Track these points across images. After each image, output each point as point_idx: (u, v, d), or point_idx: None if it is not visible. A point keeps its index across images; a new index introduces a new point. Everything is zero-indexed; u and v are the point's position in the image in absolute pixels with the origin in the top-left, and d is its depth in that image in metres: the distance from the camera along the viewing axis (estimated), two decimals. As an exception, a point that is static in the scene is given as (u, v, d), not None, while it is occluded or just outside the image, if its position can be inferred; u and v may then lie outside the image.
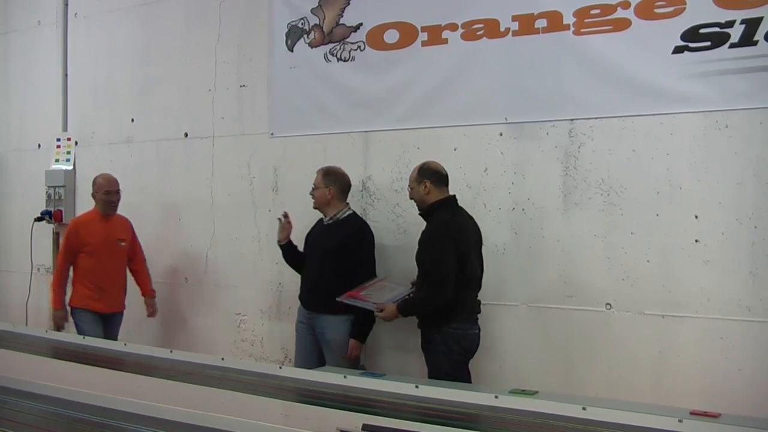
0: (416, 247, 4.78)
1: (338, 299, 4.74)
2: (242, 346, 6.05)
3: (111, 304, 5.96)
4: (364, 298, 4.73)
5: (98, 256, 5.87)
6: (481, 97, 5.00)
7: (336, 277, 4.94)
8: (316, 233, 5.22)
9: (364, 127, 5.47)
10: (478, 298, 4.68)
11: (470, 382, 4.56)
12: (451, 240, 4.49)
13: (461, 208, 4.72)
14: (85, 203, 7.01)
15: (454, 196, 4.72)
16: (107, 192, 5.92)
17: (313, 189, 5.10)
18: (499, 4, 4.90)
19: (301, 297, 5.24)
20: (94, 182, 5.99)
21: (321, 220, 5.21)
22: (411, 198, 4.77)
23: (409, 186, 4.75)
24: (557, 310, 4.76)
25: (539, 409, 3.06)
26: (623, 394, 4.33)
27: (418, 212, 4.77)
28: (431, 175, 4.65)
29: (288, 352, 5.66)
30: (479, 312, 4.67)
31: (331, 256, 5.02)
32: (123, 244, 6.01)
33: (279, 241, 5.27)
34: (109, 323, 5.94)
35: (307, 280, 5.20)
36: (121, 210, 6.69)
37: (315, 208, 5.13)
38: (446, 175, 4.70)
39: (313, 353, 5.13)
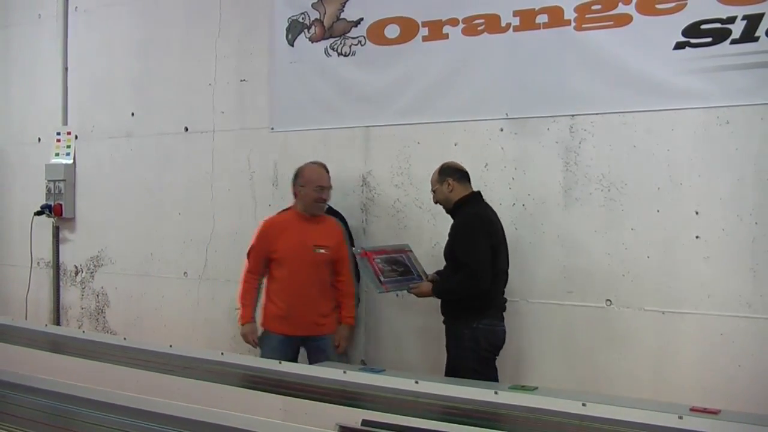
0: (417, 241, 4.79)
1: (355, 252, 4.64)
2: (241, 341, 6.01)
3: (302, 326, 4.85)
4: (377, 266, 4.59)
5: (288, 266, 4.83)
6: (482, 92, 5.00)
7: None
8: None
9: (364, 121, 5.46)
10: (504, 294, 4.65)
11: (497, 377, 4.53)
12: (483, 232, 4.46)
13: (487, 203, 4.67)
14: (85, 197, 7.03)
15: (479, 192, 4.68)
16: (320, 188, 4.89)
17: None
18: (500, -1, 4.90)
19: None
20: (301, 173, 4.95)
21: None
22: (436, 201, 4.69)
23: (431, 189, 4.68)
24: (557, 305, 4.76)
25: (539, 405, 3.05)
26: (623, 390, 4.34)
27: (445, 212, 4.69)
28: (452, 173, 4.61)
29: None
30: (504, 309, 4.62)
31: None
32: (321, 251, 4.81)
33: None
34: (309, 350, 4.93)
35: None
36: (123, 206, 6.72)
37: None
38: (467, 172, 4.66)
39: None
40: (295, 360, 4.76)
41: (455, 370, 4.46)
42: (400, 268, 4.69)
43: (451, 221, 4.62)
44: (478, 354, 4.46)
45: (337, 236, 4.97)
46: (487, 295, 4.47)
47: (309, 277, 4.82)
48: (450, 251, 4.54)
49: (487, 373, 4.47)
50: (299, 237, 4.85)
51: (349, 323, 4.97)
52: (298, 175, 4.96)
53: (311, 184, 4.87)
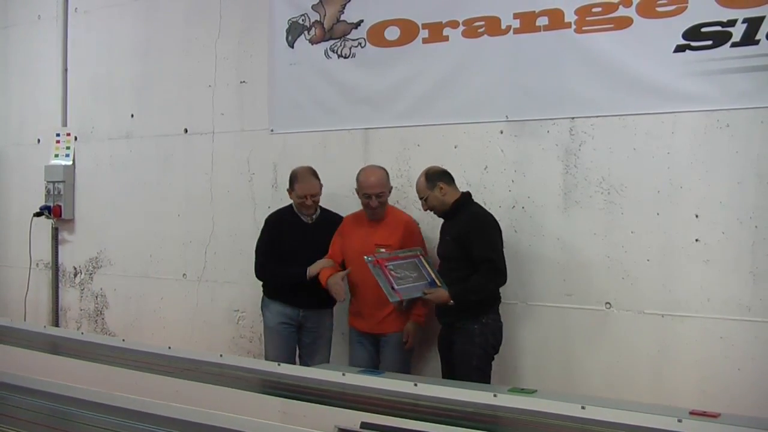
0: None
1: (367, 259, 4.61)
2: (240, 343, 6.04)
3: (370, 324, 4.94)
4: (389, 274, 4.57)
5: (355, 264, 4.88)
6: (482, 94, 4.99)
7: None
8: (302, 233, 5.12)
9: (364, 123, 5.46)
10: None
11: (490, 378, 4.53)
12: (496, 229, 4.54)
13: (477, 203, 4.71)
14: (84, 199, 7.03)
15: (469, 192, 4.71)
16: (366, 195, 4.88)
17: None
18: (500, 1, 4.89)
19: (289, 298, 5.12)
20: (357, 177, 4.97)
21: (294, 219, 5.14)
22: (428, 209, 4.67)
23: (421, 198, 4.65)
24: (557, 308, 4.75)
25: (538, 408, 3.06)
26: (622, 394, 4.33)
27: (439, 216, 4.70)
28: (441, 177, 4.62)
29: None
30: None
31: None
32: (383, 250, 4.78)
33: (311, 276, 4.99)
34: (380, 346, 4.96)
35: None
36: (123, 207, 6.71)
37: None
38: (450, 173, 4.68)
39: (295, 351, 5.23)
40: (375, 356, 4.93)
41: (457, 367, 4.47)
42: (413, 273, 4.65)
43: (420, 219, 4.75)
44: (485, 350, 4.48)
45: (404, 236, 4.89)
46: (495, 292, 4.55)
47: (371, 277, 4.70)
48: (459, 250, 4.52)
49: (487, 372, 4.51)
50: (364, 237, 4.93)
51: (417, 321, 4.88)
52: (357, 179, 4.97)
53: (360, 191, 4.92)
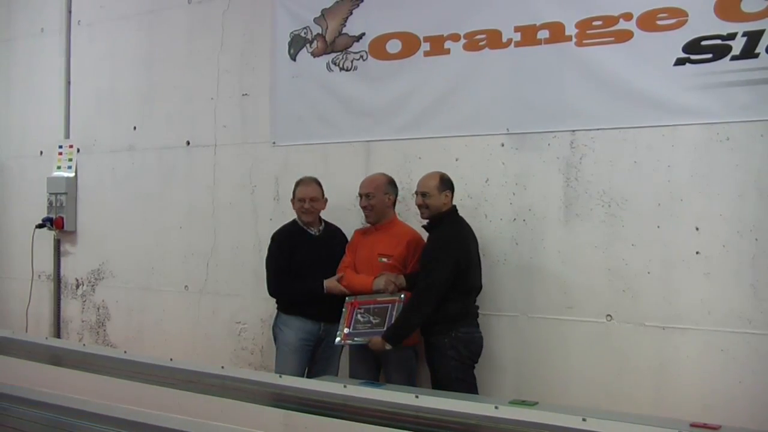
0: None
1: (347, 300, 4.77)
2: (242, 355, 6.04)
3: None
4: (353, 317, 4.72)
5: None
6: (483, 107, 5.01)
7: None
8: (312, 247, 5.09)
9: (365, 136, 5.48)
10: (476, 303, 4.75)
11: (476, 386, 4.58)
12: (451, 258, 4.51)
13: (462, 218, 4.73)
14: (86, 210, 7.04)
15: (455, 206, 4.74)
16: (359, 195, 5.02)
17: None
18: (501, 15, 4.92)
19: (310, 313, 5.00)
20: None
21: (301, 233, 5.12)
22: (424, 204, 4.68)
23: (424, 193, 4.66)
24: (557, 321, 4.76)
25: (539, 420, 3.06)
26: (623, 406, 4.32)
27: (423, 222, 4.76)
28: (451, 186, 4.70)
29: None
30: (477, 316, 4.72)
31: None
32: (384, 260, 4.84)
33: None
34: (382, 359, 4.83)
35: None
36: (125, 219, 6.72)
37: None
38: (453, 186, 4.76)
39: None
40: (375, 369, 4.86)
41: (439, 381, 4.53)
42: (376, 319, 4.68)
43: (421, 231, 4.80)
44: (461, 362, 4.53)
45: (405, 246, 4.88)
46: (461, 306, 4.56)
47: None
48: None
49: (469, 381, 4.54)
50: (369, 246, 4.96)
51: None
52: None
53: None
